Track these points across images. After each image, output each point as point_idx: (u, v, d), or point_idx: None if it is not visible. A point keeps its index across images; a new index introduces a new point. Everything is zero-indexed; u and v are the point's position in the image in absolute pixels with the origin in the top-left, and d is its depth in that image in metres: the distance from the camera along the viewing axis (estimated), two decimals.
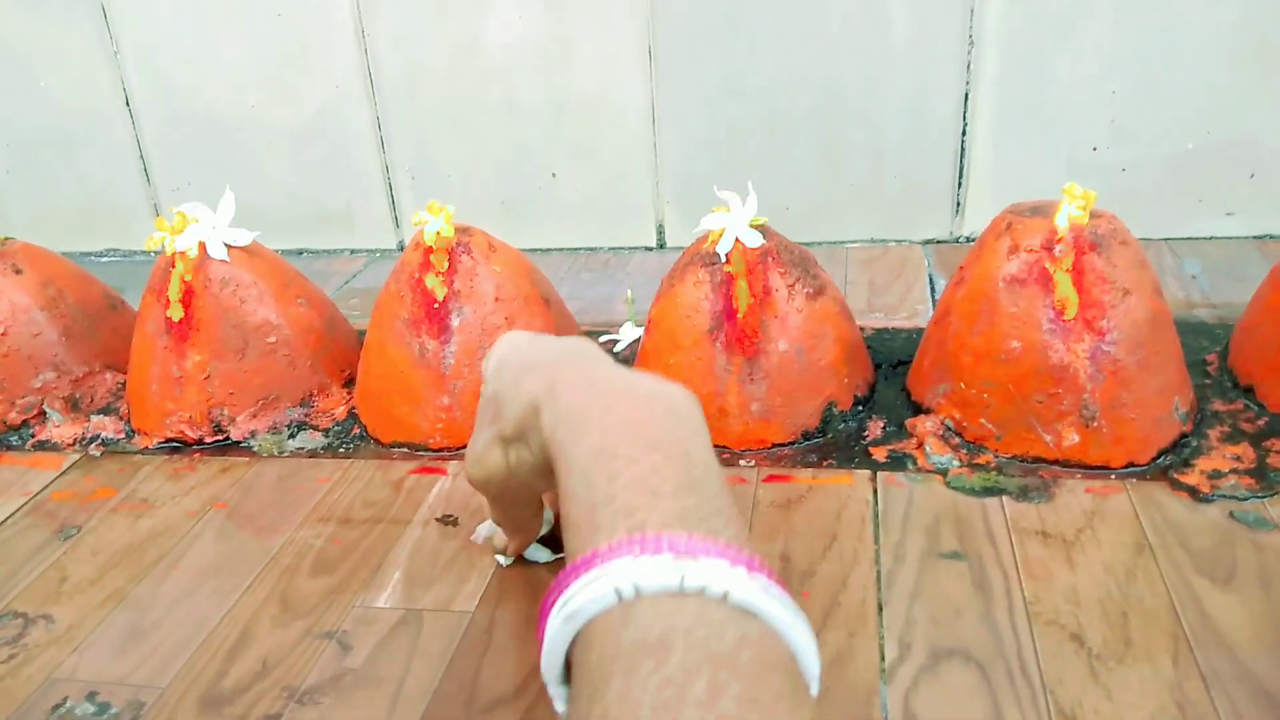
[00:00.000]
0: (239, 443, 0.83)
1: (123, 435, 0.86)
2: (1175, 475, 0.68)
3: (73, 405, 0.89)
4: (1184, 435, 0.72)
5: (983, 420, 0.73)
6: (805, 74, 1.12)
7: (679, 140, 1.17)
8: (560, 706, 0.37)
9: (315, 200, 1.30)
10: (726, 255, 0.75)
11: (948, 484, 0.70)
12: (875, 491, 0.70)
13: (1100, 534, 0.63)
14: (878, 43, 1.09)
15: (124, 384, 0.91)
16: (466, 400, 0.78)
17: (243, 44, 1.22)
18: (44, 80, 1.29)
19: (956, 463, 0.72)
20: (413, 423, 0.80)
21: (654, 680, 0.30)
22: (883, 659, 0.55)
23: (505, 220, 1.25)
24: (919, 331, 0.92)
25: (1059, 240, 0.69)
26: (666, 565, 0.33)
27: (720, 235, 0.76)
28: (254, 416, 0.84)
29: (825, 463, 0.74)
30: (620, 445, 0.39)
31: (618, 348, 0.94)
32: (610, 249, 1.25)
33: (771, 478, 0.73)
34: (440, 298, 0.79)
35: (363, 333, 0.86)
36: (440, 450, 0.80)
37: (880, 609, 0.58)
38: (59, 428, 0.88)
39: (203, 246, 0.83)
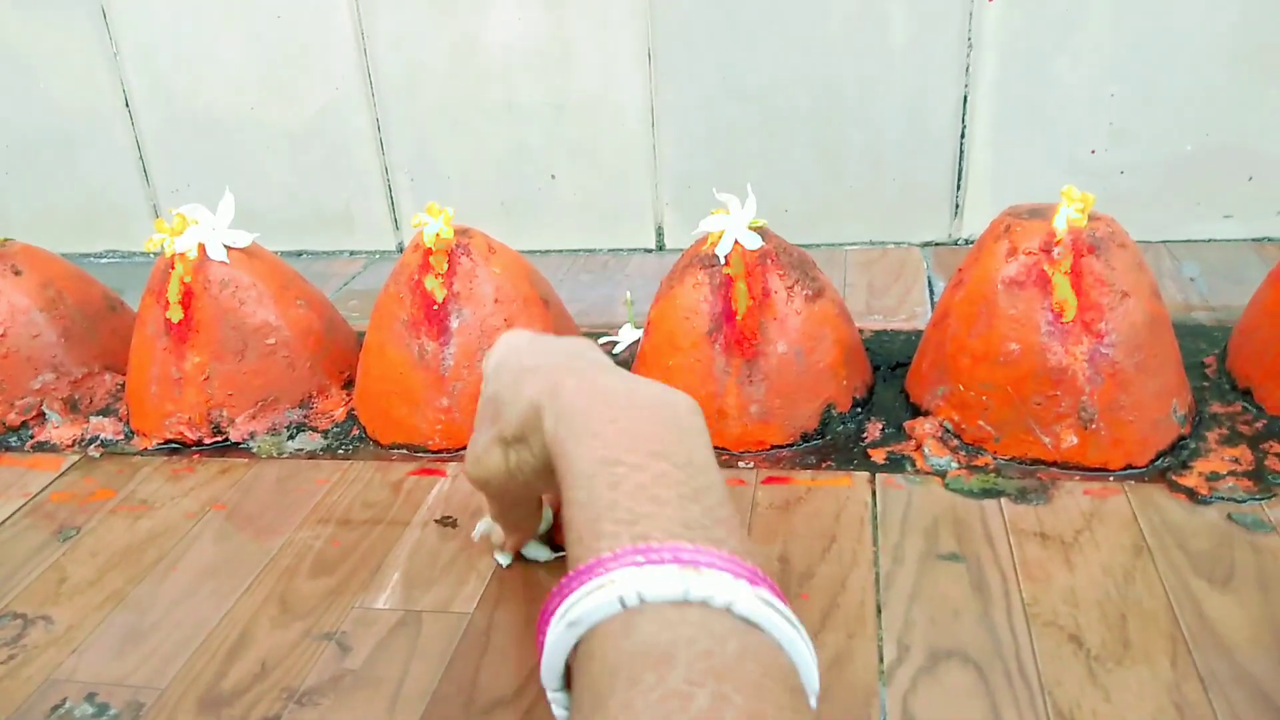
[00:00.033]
0: (238, 444, 0.83)
1: (122, 436, 0.86)
2: (1173, 477, 0.68)
3: (72, 406, 0.89)
4: (1182, 437, 0.72)
5: (981, 422, 0.73)
6: (804, 76, 1.12)
7: (678, 141, 1.18)
8: (559, 712, 0.37)
9: (314, 201, 1.30)
10: (725, 257, 0.75)
11: (946, 486, 0.70)
12: (874, 493, 0.70)
13: (1098, 536, 0.63)
14: (877, 45, 1.09)
15: (123, 385, 0.91)
16: (465, 402, 0.79)
17: (242, 45, 1.22)
18: (44, 81, 1.29)
19: (955, 464, 0.72)
20: (412, 424, 0.80)
21: (657, 693, 0.29)
22: (881, 660, 0.55)
23: (504, 221, 1.25)
24: (918, 333, 0.92)
25: (1057, 243, 0.70)
26: (671, 575, 0.33)
27: (719, 237, 0.76)
28: (253, 418, 0.84)
29: (824, 464, 0.74)
30: (624, 453, 0.39)
31: (617, 349, 0.94)
32: (609, 250, 1.25)
33: (770, 479, 0.73)
34: (439, 299, 0.79)
35: (362, 334, 0.86)
36: (439, 452, 0.80)
37: (879, 610, 0.58)
38: (58, 429, 0.88)
39: (202, 248, 0.83)
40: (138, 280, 0.90)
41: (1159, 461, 0.70)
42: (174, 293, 0.82)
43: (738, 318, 0.75)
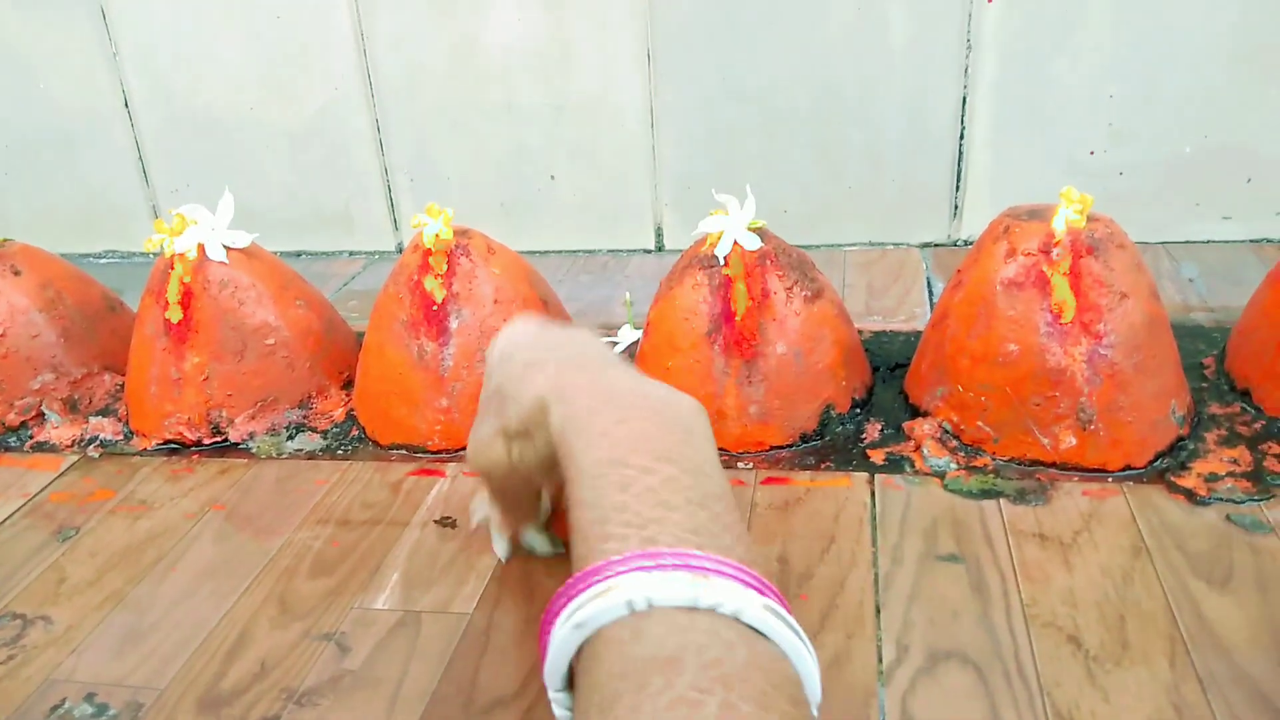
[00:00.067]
0: (237, 444, 0.83)
1: (121, 437, 0.86)
2: (1172, 478, 0.69)
3: (71, 407, 0.89)
4: (1181, 438, 0.72)
5: (980, 423, 0.73)
6: (804, 77, 1.12)
7: (678, 142, 1.18)
8: (560, 713, 0.37)
9: (314, 202, 1.30)
10: (725, 258, 0.75)
11: (945, 486, 0.70)
12: (873, 494, 0.70)
13: (1097, 536, 0.63)
14: (876, 46, 1.09)
15: (122, 385, 0.91)
16: (465, 402, 0.79)
17: (242, 45, 1.22)
18: (43, 81, 1.29)
19: (954, 465, 0.72)
20: (411, 424, 0.80)
21: (665, 698, 0.29)
22: (880, 661, 0.55)
23: (504, 222, 1.25)
24: (917, 334, 0.92)
25: (1056, 244, 0.70)
26: (681, 581, 0.33)
27: (718, 238, 0.76)
28: (252, 418, 0.84)
29: (823, 465, 0.74)
30: (632, 454, 0.39)
31: (616, 350, 0.94)
32: (609, 251, 1.25)
33: (769, 480, 0.73)
34: (439, 300, 0.79)
35: (361, 335, 0.86)
36: (439, 452, 0.80)
37: (878, 611, 0.59)
38: (57, 429, 0.88)
39: (201, 248, 0.83)
40: (137, 280, 0.90)
41: (1158, 462, 0.70)
42: (173, 293, 0.82)
43: (737, 318, 0.75)
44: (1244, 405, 0.76)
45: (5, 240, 0.93)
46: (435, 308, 0.79)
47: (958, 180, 1.14)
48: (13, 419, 0.88)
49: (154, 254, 0.84)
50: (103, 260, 1.38)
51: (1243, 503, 0.65)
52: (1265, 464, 0.69)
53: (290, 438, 0.84)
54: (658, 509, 0.36)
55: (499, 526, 0.64)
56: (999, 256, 0.72)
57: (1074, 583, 0.59)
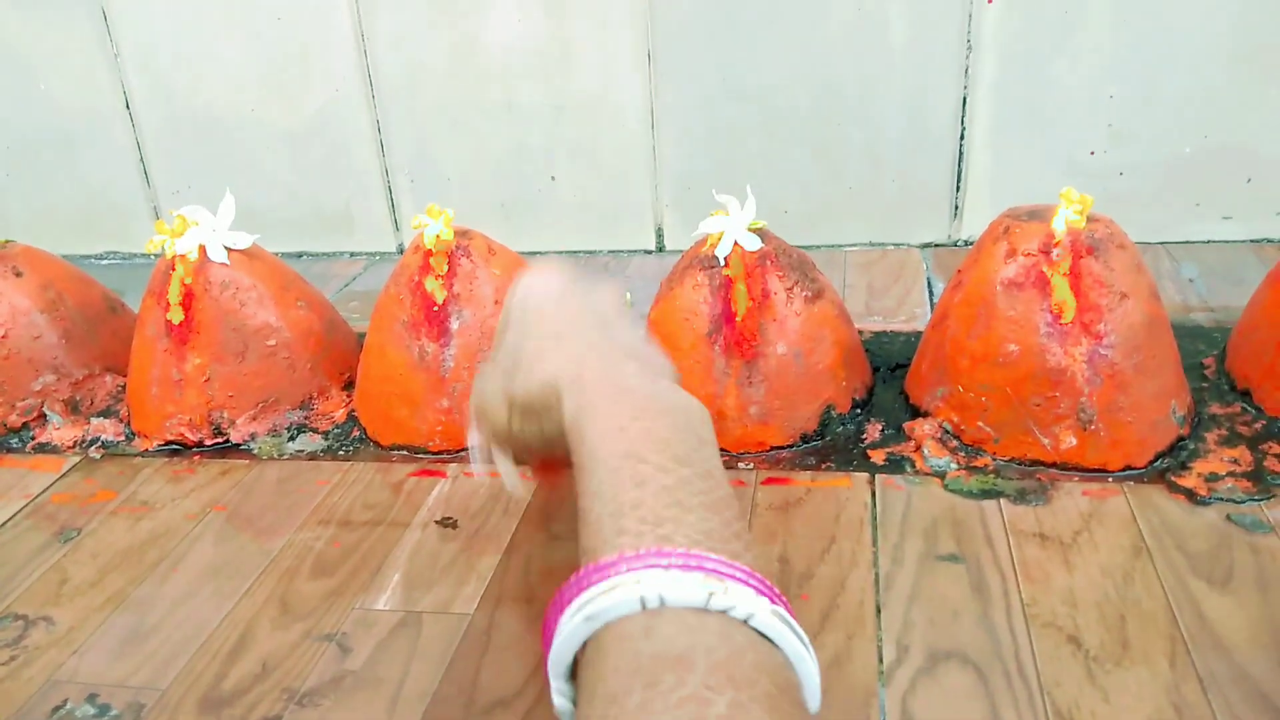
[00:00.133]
0: (239, 445, 0.83)
1: (123, 438, 0.87)
2: (1172, 478, 0.69)
3: (73, 408, 0.90)
4: (1181, 438, 0.72)
5: (980, 423, 0.73)
6: (804, 77, 1.12)
7: (678, 142, 1.18)
8: (561, 702, 0.37)
9: (315, 202, 1.30)
10: (725, 258, 0.75)
11: (946, 487, 0.70)
12: (873, 494, 0.70)
13: (1097, 536, 0.63)
14: (876, 46, 1.09)
15: (124, 387, 0.91)
16: (465, 403, 0.79)
17: (242, 45, 1.22)
18: (44, 82, 1.29)
19: (954, 465, 0.72)
20: (412, 425, 0.80)
21: (675, 695, 0.30)
22: (881, 661, 0.55)
23: (504, 223, 1.25)
24: (917, 335, 0.92)
25: (1056, 244, 0.70)
26: (695, 582, 0.33)
27: (719, 238, 0.76)
28: (254, 419, 0.84)
29: (824, 465, 0.74)
30: (649, 453, 0.39)
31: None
32: (609, 252, 1.25)
33: (770, 480, 0.73)
34: (440, 301, 0.79)
35: (362, 335, 0.86)
36: (440, 453, 0.80)
37: (878, 611, 0.59)
38: (59, 430, 0.88)
39: (203, 249, 0.83)
40: (138, 282, 0.90)
41: (1158, 462, 0.70)
42: (175, 294, 0.83)
43: (737, 319, 0.75)
44: (1244, 405, 0.76)
45: (6, 242, 0.93)
46: (436, 308, 0.79)
47: (958, 180, 1.14)
48: (14, 420, 0.88)
49: (155, 255, 0.84)
50: (104, 261, 1.38)
51: (1243, 502, 0.65)
52: (1265, 464, 0.69)
53: (291, 438, 0.84)
54: (673, 509, 0.37)
55: (480, 449, 0.62)
56: (999, 257, 0.72)
57: (1074, 583, 0.59)
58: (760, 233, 0.76)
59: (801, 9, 1.09)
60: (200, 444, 0.84)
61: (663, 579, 0.33)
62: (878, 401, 0.82)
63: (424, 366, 0.79)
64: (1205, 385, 0.80)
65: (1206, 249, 1.10)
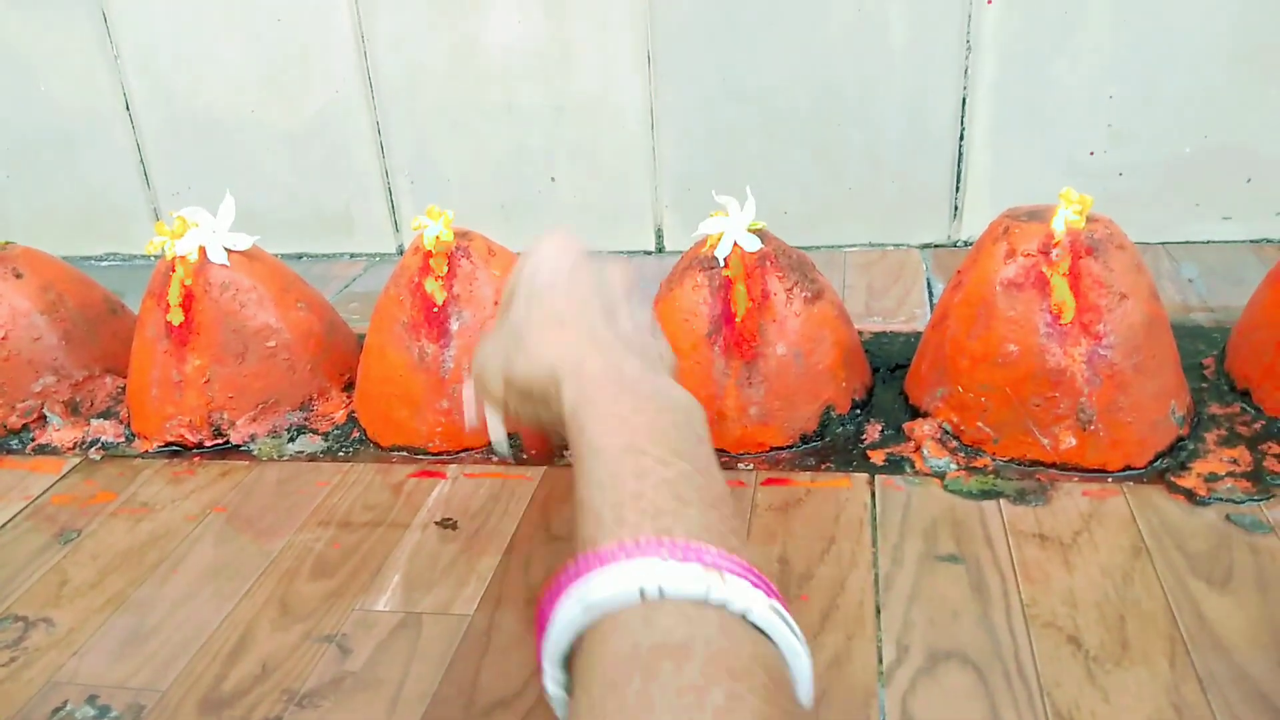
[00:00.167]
0: (239, 446, 0.83)
1: (123, 439, 0.87)
2: (1172, 478, 0.69)
3: (73, 409, 0.90)
4: (1181, 439, 0.72)
5: (980, 424, 0.73)
6: (804, 77, 1.12)
7: (678, 143, 1.18)
8: (554, 689, 0.37)
9: (315, 204, 1.30)
10: (725, 259, 0.75)
11: (945, 487, 0.70)
12: (873, 495, 0.70)
13: (1097, 537, 0.63)
14: (876, 47, 1.09)
15: (124, 388, 0.92)
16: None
17: (242, 47, 1.22)
18: (44, 82, 1.29)
19: (954, 466, 0.72)
20: (412, 426, 0.80)
21: (674, 685, 0.30)
22: (880, 661, 0.55)
23: (504, 224, 1.25)
24: (917, 335, 0.92)
25: (1056, 244, 0.70)
26: (695, 574, 0.33)
27: (718, 239, 0.76)
28: (254, 420, 0.84)
29: (823, 466, 0.74)
30: (650, 446, 0.40)
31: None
32: (609, 253, 1.25)
33: (770, 481, 0.73)
34: (439, 302, 0.79)
35: (362, 337, 0.86)
36: (440, 454, 0.80)
37: (878, 611, 0.59)
38: (59, 431, 0.88)
39: (203, 251, 0.83)
40: (138, 283, 0.90)
41: (1157, 463, 0.70)
42: (174, 295, 0.83)
43: (737, 320, 0.75)
44: (1244, 405, 0.76)
45: (6, 243, 0.93)
46: (436, 310, 0.79)
47: (957, 181, 1.14)
48: (14, 421, 0.88)
49: (155, 256, 0.84)
50: (104, 263, 1.38)
51: (1242, 503, 0.65)
52: (1265, 464, 0.69)
53: (291, 440, 0.84)
54: (673, 501, 0.37)
55: (473, 402, 0.61)
56: (999, 257, 0.72)
57: (1074, 583, 0.59)
58: (760, 233, 0.76)
59: (801, 10, 1.09)
60: (200, 445, 0.84)
61: (662, 570, 0.33)
62: (877, 402, 0.82)
63: (424, 367, 0.79)
64: (1205, 385, 0.80)
65: (1206, 249, 1.10)
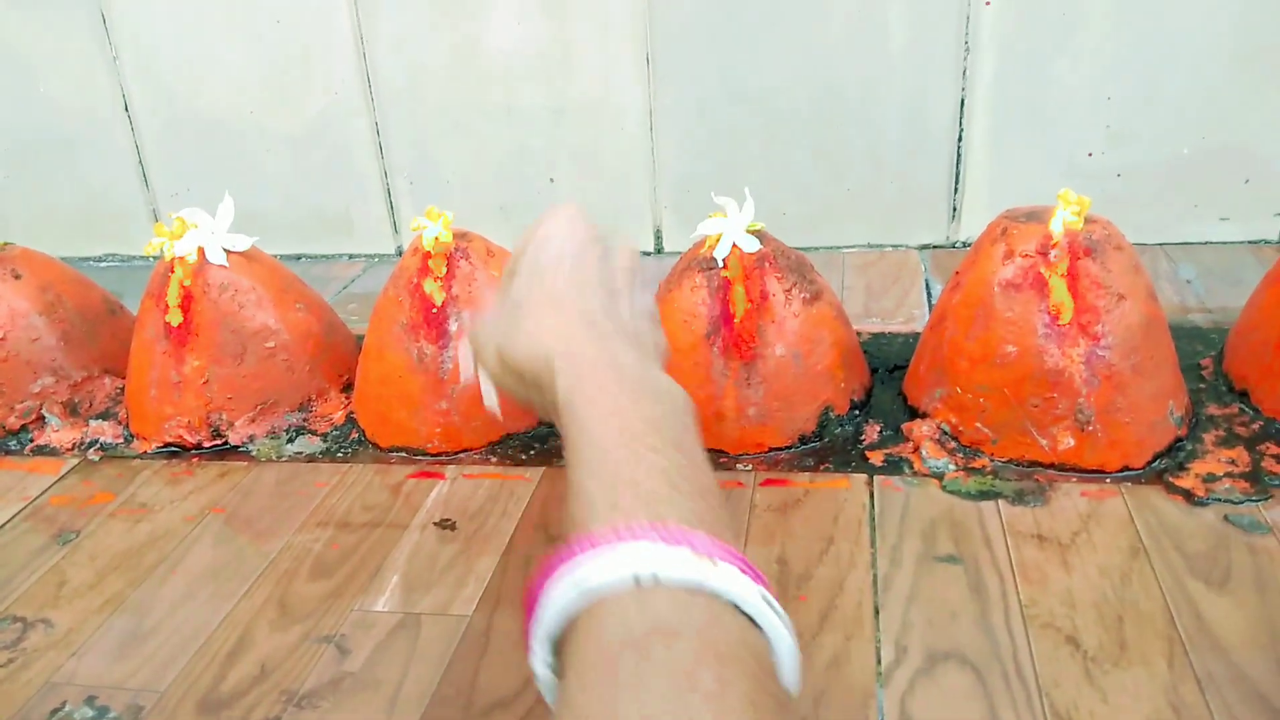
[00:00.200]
0: (237, 447, 0.83)
1: (121, 440, 0.87)
2: (1170, 479, 0.69)
3: (71, 410, 0.90)
4: (1179, 439, 0.72)
5: (978, 424, 0.73)
6: (803, 79, 1.12)
7: (677, 145, 1.18)
8: (542, 670, 0.37)
9: (314, 205, 1.30)
10: (724, 260, 0.76)
11: (944, 488, 0.70)
12: (872, 495, 0.70)
13: (1095, 537, 0.63)
14: (875, 48, 1.09)
15: (123, 389, 0.92)
16: (464, 405, 0.79)
17: (242, 48, 1.22)
18: (43, 84, 1.29)
19: (952, 466, 0.72)
20: (411, 427, 0.80)
21: (666, 667, 0.30)
22: (879, 662, 0.55)
23: (504, 225, 1.25)
24: (915, 336, 0.92)
25: (1054, 245, 0.70)
26: (687, 561, 0.34)
27: (717, 240, 0.76)
28: (252, 421, 0.84)
29: (822, 467, 0.74)
30: (644, 433, 0.40)
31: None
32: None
33: (768, 481, 0.73)
34: (438, 303, 0.79)
35: (361, 337, 0.86)
36: (438, 454, 0.80)
37: (877, 612, 0.59)
38: (58, 432, 0.88)
39: (201, 252, 0.83)
40: (137, 284, 0.90)
41: (1156, 463, 0.70)
42: (173, 296, 0.83)
43: (736, 320, 0.75)
44: (1242, 406, 0.77)
45: (5, 244, 0.93)
46: (435, 311, 0.79)
47: (956, 182, 1.14)
48: (13, 422, 0.88)
49: (154, 257, 0.84)
50: (103, 264, 1.38)
51: (1241, 503, 0.66)
52: (1263, 464, 0.69)
53: (290, 440, 0.84)
54: (667, 489, 0.38)
55: (468, 359, 0.61)
56: (997, 258, 0.72)
57: (1072, 583, 0.59)
58: (758, 234, 0.76)
59: (801, 12, 1.09)
60: (199, 446, 0.84)
61: (656, 555, 0.34)
62: (876, 403, 0.82)
63: (423, 368, 0.79)
64: (1203, 386, 0.80)
65: (1204, 250, 1.10)
